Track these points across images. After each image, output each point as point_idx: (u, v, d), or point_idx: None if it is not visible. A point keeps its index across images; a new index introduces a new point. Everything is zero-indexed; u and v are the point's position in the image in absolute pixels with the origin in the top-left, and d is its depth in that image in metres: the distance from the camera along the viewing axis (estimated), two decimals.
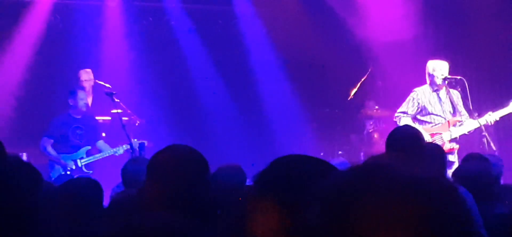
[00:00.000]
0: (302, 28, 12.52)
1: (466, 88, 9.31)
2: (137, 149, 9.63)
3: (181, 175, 3.07)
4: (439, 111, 9.39)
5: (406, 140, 5.28)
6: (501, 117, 9.27)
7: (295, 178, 2.09)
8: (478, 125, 9.19)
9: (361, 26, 11.92)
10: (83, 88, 10.65)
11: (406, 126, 7.19)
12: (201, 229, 1.66)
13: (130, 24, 12.69)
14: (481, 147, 9.22)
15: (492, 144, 9.13)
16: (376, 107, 11.83)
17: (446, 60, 9.58)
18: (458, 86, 9.49)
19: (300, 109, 12.83)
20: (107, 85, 10.65)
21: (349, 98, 11.70)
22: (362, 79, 11.70)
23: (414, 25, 11.58)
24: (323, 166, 2.15)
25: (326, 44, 12.25)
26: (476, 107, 9.47)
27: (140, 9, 12.83)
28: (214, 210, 3.21)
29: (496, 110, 9.28)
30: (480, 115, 9.30)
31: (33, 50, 12.00)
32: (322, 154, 11.86)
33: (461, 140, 9.41)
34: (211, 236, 2.86)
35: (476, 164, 5.58)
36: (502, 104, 9.35)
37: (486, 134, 9.20)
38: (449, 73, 9.41)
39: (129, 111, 10.98)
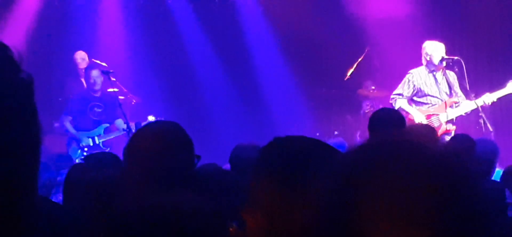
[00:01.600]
0: (299, 7, 12.49)
1: (463, 68, 9.29)
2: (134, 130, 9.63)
3: (163, 152, 2.88)
4: (435, 93, 9.36)
5: (387, 122, 5.29)
6: (499, 98, 9.26)
7: (293, 156, 2.08)
8: (475, 106, 9.17)
9: (358, 5, 11.90)
10: (92, 67, 10.68)
11: (386, 109, 7.19)
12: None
13: (127, 2, 12.64)
14: (477, 127, 9.21)
15: (488, 125, 9.12)
16: (373, 87, 11.82)
17: (443, 40, 9.56)
18: (455, 67, 9.47)
19: (296, 89, 12.81)
20: (104, 64, 10.63)
21: (345, 79, 11.69)
22: (359, 60, 11.68)
23: (411, 5, 11.55)
24: (321, 147, 2.14)
25: (323, 24, 12.22)
26: (473, 88, 9.45)
27: None
28: (200, 188, 3.08)
29: (494, 91, 9.28)
30: (477, 96, 9.28)
31: (29, 29, 11.96)
32: (318, 134, 11.85)
33: (458, 121, 9.40)
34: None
35: (459, 144, 5.56)
36: (500, 85, 9.33)
37: (483, 115, 9.19)
38: (446, 54, 9.40)
39: (125, 90, 10.97)
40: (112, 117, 10.52)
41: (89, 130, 10.42)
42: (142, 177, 2.84)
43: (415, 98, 9.41)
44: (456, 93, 9.40)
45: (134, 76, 11.98)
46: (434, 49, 9.37)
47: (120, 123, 10.42)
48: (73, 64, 11.06)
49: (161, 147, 2.88)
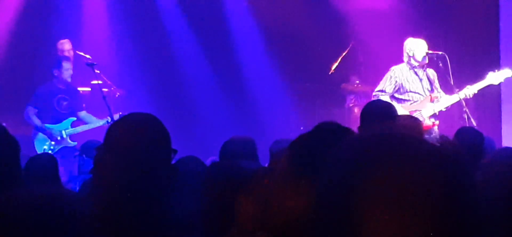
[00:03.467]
0: (283, 2, 12.48)
1: (448, 63, 9.33)
2: None
3: (138, 145, 2.83)
4: (418, 89, 9.40)
5: (378, 114, 5.32)
6: (482, 92, 9.32)
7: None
8: (458, 99, 9.22)
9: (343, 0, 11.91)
10: (67, 58, 10.61)
11: (379, 100, 7.22)
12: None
13: None
14: (461, 122, 9.26)
15: (472, 120, 9.17)
16: (357, 82, 11.85)
17: (427, 35, 9.61)
18: (439, 62, 9.51)
19: (281, 83, 12.81)
20: (88, 56, 10.59)
21: (330, 73, 11.71)
22: (343, 54, 11.70)
23: (396, 1, 11.58)
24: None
25: (308, 18, 12.23)
26: (457, 83, 9.49)
27: None
28: (175, 183, 3.04)
29: (474, 83, 9.33)
30: (460, 90, 9.33)
31: (13, 20, 11.90)
32: (302, 128, 11.87)
33: (442, 115, 9.45)
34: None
35: (467, 139, 5.66)
36: (481, 77, 9.39)
37: (467, 109, 9.24)
38: (430, 49, 9.43)
39: (109, 82, 10.93)
40: (77, 110, 10.48)
41: (55, 123, 10.35)
42: (117, 169, 2.81)
43: (396, 95, 9.44)
44: (437, 89, 9.45)
45: (118, 69, 11.94)
46: (417, 46, 9.41)
47: (84, 115, 10.42)
48: (57, 55, 10.99)
49: (137, 140, 2.84)
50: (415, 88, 9.40)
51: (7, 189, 2.72)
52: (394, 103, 9.14)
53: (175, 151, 2.93)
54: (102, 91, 10.01)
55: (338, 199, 1.28)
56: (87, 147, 7.89)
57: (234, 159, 5.05)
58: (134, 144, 2.82)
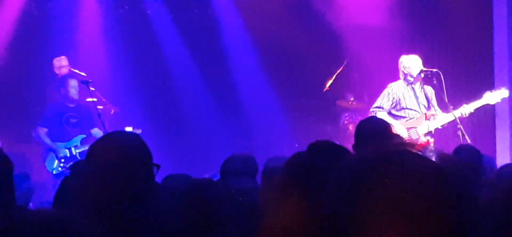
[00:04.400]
0: (278, 19, 12.49)
1: (442, 80, 9.35)
2: None
3: (119, 162, 2.85)
4: (414, 106, 9.45)
5: (373, 132, 5.31)
6: (476, 110, 9.34)
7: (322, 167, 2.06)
8: (453, 118, 9.24)
9: (338, 17, 11.92)
10: (71, 76, 10.60)
11: (373, 118, 7.22)
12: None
13: (106, 12, 12.60)
14: (455, 139, 9.27)
15: (466, 137, 9.17)
16: (352, 99, 11.85)
17: (422, 52, 9.65)
18: (433, 79, 9.53)
19: (275, 100, 12.81)
20: (83, 73, 10.59)
21: (324, 90, 11.71)
22: (338, 71, 11.71)
23: (390, 17, 11.60)
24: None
25: (303, 35, 12.25)
26: (452, 101, 9.51)
27: None
28: (157, 201, 3.04)
29: (471, 102, 9.35)
30: (455, 108, 9.35)
31: (7, 38, 11.90)
32: (297, 145, 11.86)
33: (437, 133, 9.46)
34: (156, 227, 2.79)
35: (469, 156, 5.66)
36: (477, 97, 9.41)
37: (461, 127, 9.25)
38: (425, 66, 9.47)
39: (104, 99, 10.93)
40: (88, 127, 10.47)
41: (65, 141, 10.36)
42: (99, 186, 2.83)
43: (393, 111, 9.47)
44: (433, 107, 9.48)
45: (113, 86, 11.94)
46: (412, 62, 9.46)
47: (96, 132, 10.38)
48: (52, 72, 11.00)
49: (118, 157, 2.86)
50: (412, 105, 9.44)
51: (0, 206, 2.71)
52: (391, 119, 9.16)
53: (158, 166, 2.93)
54: (97, 109, 10.02)
55: (342, 216, 1.29)
56: (76, 165, 7.87)
57: (234, 176, 5.06)
58: (114, 161, 2.84)
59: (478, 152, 6.06)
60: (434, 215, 1.24)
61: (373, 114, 9.44)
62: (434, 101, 9.50)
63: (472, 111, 9.30)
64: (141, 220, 2.76)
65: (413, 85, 9.47)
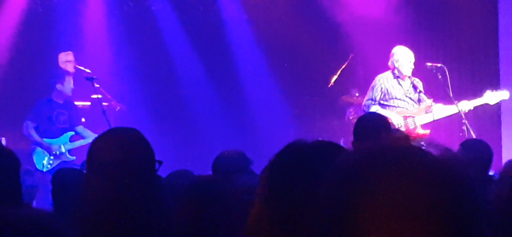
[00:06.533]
0: (283, 15, 12.49)
1: (447, 75, 9.35)
2: None
3: (120, 159, 2.82)
4: (401, 96, 9.45)
5: (372, 127, 5.30)
6: (482, 105, 9.34)
7: (307, 165, 2.05)
8: (452, 112, 9.24)
9: (342, 12, 11.91)
10: (68, 73, 10.58)
11: (373, 113, 7.22)
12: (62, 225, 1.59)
13: (111, 9, 12.60)
14: (461, 134, 9.26)
15: (472, 132, 9.17)
16: (357, 94, 11.84)
17: (427, 47, 9.65)
18: (438, 74, 9.53)
19: (280, 96, 12.81)
20: (87, 70, 10.58)
21: (329, 86, 11.70)
22: (343, 66, 11.69)
23: (395, 12, 11.58)
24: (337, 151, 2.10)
25: (307, 30, 12.24)
26: (457, 96, 9.50)
27: None
28: (161, 197, 3.02)
29: (471, 99, 9.35)
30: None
31: (12, 35, 11.90)
32: None
33: (441, 126, 9.45)
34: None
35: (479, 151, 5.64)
36: (481, 91, 9.41)
37: (466, 122, 9.25)
38: (430, 61, 9.46)
39: (109, 96, 10.92)
40: (75, 125, 10.46)
41: (54, 138, 10.32)
42: (102, 184, 2.81)
43: (382, 101, 9.49)
44: (424, 99, 9.47)
45: (118, 83, 11.94)
46: (403, 58, 9.45)
47: (81, 129, 10.39)
48: (57, 68, 10.99)
49: (119, 153, 2.84)
50: (400, 96, 9.45)
51: (8, 205, 2.71)
52: (383, 110, 9.19)
53: (160, 162, 2.92)
54: (102, 106, 10.01)
55: (342, 213, 1.27)
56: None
57: (226, 173, 5.05)
58: (116, 158, 2.82)
59: (487, 146, 6.00)
60: (439, 213, 1.22)
61: (366, 108, 9.48)
62: (422, 94, 9.49)
63: (472, 108, 9.29)
64: (144, 216, 2.75)
65: (399, 79, 9.47)
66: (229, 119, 12.67)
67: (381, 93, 9.48)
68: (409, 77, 9.47)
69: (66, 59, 10.97)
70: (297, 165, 1.99)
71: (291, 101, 12.77)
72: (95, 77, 10.20)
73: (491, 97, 9.34)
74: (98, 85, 10.24)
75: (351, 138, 5.72)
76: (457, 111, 9.23)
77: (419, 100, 9.50)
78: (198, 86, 12.95)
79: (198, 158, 11.03)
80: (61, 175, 4.96)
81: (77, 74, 10.82)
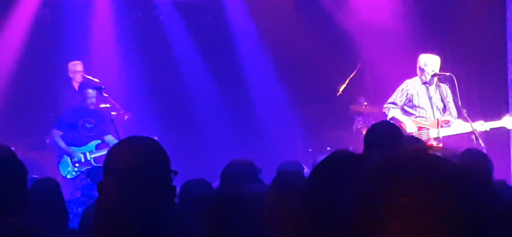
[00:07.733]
0: (291, 24, 12.50)
1: (455, 84, 9.33)
2: None
3: (137, 168, 2.80)
4: (425, 105, 9.44)
5: (384, 136, 5.27)
6: (489, 109, 9.33)
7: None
8: (469, 130, 9.20)
9: (351, 21, 11.92)
10: (88, 85, 10.61)
11: (385, 122, 7.20)
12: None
13: (119, 19, 12.64)
14: (469, 143, 9.24)
15: (480, 141, 9.14)
16: (365, 103, 11.83)
17: (435, 55, 9.62)
18: (447, 83, 9.52)
19: (288, 105, 12.81)
20: (96, 79, 10.62)
21: (338, 95, 11.69)
22: (351, 75, 11.68)
23: (404, 20, 11.58)
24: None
25: (315, 39, 12.24)
26: (465, 104, 9.48)
27: (128, 3, 12.78)
28: (175, 204, 3.00)
29: (488, 119, 9.34)
30: (468, 112, 9.33)
31: (21, 45, 11.94)
32: (310, 149, 11.86)
33: (450, 136, 9.42)
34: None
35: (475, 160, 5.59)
36: (490, 101, 9.39)
37: (475, 131, 9.22)
38: (439, 69, 9.45)
39: (117, 106, 10.95)
40: (102, 133, 10.49)
41: (80, 146, 10.38)
42: (117, 192, 2.80)
43: (405, 107, 9.49)
44: (450, 110, 9.44)
45: (126, 92, 11.96)
46: (429, 62, 9.43)
47: (110, 139, 10.39)
48: (66, 77, 11.04)
49: (135, 163, 2.82)
50: (424, 103, 9.43)
51: (14, 213, 2.72)
52: (403, 116, 9.18)
53: (175, 172, 2.92)
54: (111, 115, 10.04)
55: (362, 222, 1.27)
56: (92, 172, 7.88)
57: (235, 182, 5.04)
58: (132, 167, 2.80)
59: (485, 156, 5.95)
60: (460, 221, 1.22)
61: (386, 110, 9.47)
62: (450, 102, 9.46)
63: (487, 129, 9.27)
64: (160, 226, 2.75)
65: (427, 85, 9.46)
66: (238, 127, 12.68)
67: (406, 99, 9.48)
68: (436, 83, 9.46)
69: (74, 69, 11.02)
70: (340, 173, 1.99)
71: (299, 110, 12.76)
72: (103, 86, 10.23)
73: (509, 121, 9.31)
74: (106, 95, 10.27)
75: (360, 147, 5.69)
76: (471, 130, 9.18)
77: (445, 109, 9.47)
78: (206, 94, 12.96)
79: (206, 166, 11.02)
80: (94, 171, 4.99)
81: (86, 83, 10.85)
